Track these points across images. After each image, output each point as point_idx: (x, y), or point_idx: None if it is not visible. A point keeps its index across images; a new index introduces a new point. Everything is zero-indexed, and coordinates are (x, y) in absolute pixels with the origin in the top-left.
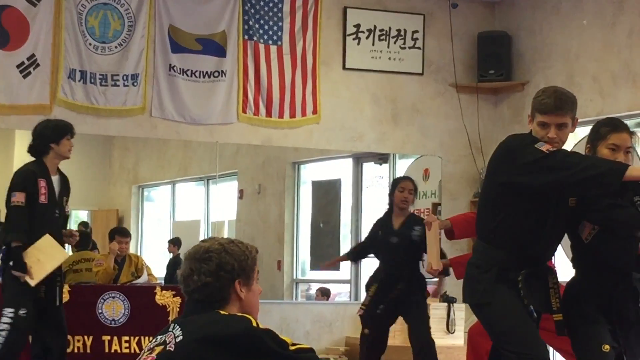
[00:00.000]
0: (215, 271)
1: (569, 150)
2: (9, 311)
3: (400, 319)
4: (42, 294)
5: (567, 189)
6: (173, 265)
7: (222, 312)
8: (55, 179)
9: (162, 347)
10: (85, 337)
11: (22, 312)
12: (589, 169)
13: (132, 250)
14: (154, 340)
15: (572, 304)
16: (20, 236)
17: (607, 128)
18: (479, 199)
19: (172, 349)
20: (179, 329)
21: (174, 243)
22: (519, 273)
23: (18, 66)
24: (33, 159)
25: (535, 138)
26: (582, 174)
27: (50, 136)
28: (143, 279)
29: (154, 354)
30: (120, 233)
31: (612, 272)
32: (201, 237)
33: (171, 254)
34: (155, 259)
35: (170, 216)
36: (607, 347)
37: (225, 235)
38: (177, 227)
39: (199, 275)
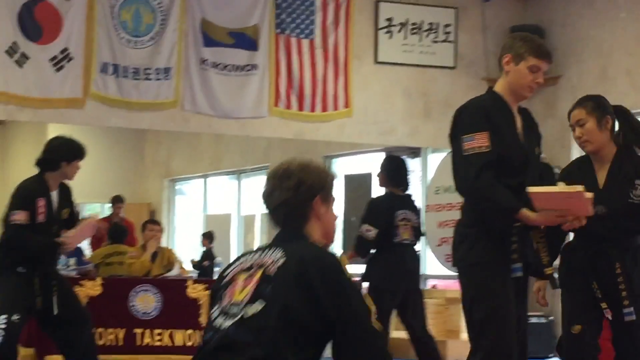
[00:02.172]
0: (296, 187)
1: None
2: (2, 317)
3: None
4: (39, 304)
5: (472, 197)
6: (205, 258)
7: (314, 243)
8: (54, 194)
9: (261, 270)
10: (118, 330)
11: (15, 317)
12: (497, 195)
13: (163, 243)
14: (242, 262)
15: (564, 263)
16: (43, 244)
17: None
18: (453, 155)
19: (272, 273)
20: (281, 252)
21: (207, 237)
22: (511, 228)
23: (51, 60)
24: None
25: (493, 103)
26: (488, 196)
27: (64, 155)
28: (175, 272)
29: (255, 278)
30: (150, 222)
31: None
32: (233, 231)
33: (204, 248)
34: (186, 252)
35: (202, 210)
36: (577, 329)
37: (257, 230)
38: (209, 220)
39: (280, 191)
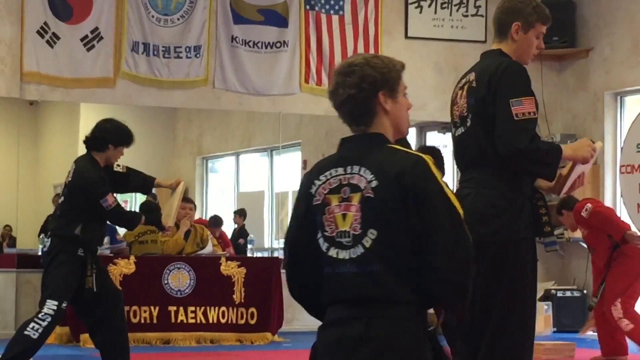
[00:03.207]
0: (358, 83)
1: None
2: (52, 303)
3: None
4: (91, 285)
5: (526, 159)
6: (238, 235)
7: (391, 146)
8: None
9: (359, 193)
10: (152, 308)
11: (64, 305)
12: (545, 147)
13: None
14: (327, 180)
15: None
16: (139, 216)
17: None
18: (476, 120)
19: (371, 195)
20: (367, 171)
21: (240, 214)
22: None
23: (82, 39)
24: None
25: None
26: (542, 152)
27: (112, 138)
28: (208, 249)
29: (354, 202)
30: (183, 200)
31: None
32: (266, 208)
33: (236, 225)
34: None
35: (234, 187)
36: None
37: (290, 207)
38: (242, 198)
39: (344, 88)
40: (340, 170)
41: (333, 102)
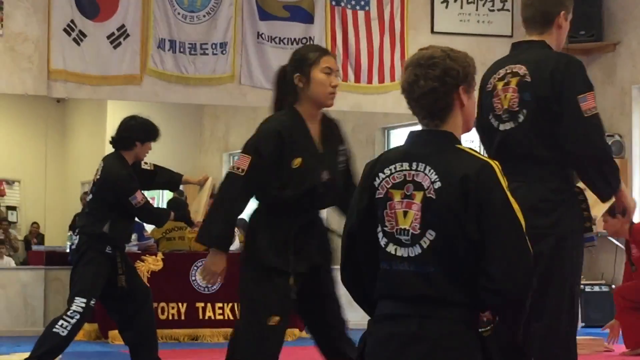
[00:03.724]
0: (441, 76)
1: None
2: (81, 300)
3: None
4: (123, 283)
5: (589, 157)
6: None
7: (460, 147)
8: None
9: (421, 192)
10: (180, 304)
11: (92, 302)
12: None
13: None
14: (390, 174)
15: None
16: (167, 213)
17: (316, 53)
18: (532, 116)
19: (433, 196)
20: (432, 171)
21: None
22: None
23: (108, 37)
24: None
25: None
26: (611, 154)
27: (139, 135)
28: (236, 245)
29: (416, 201)
30: (211, 197)
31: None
32: None
33: None
34: None
35: None
36: (275, 320)
37: None
38: None
39: (426, 80)
40: (406, 165)
41: (410, 93)
